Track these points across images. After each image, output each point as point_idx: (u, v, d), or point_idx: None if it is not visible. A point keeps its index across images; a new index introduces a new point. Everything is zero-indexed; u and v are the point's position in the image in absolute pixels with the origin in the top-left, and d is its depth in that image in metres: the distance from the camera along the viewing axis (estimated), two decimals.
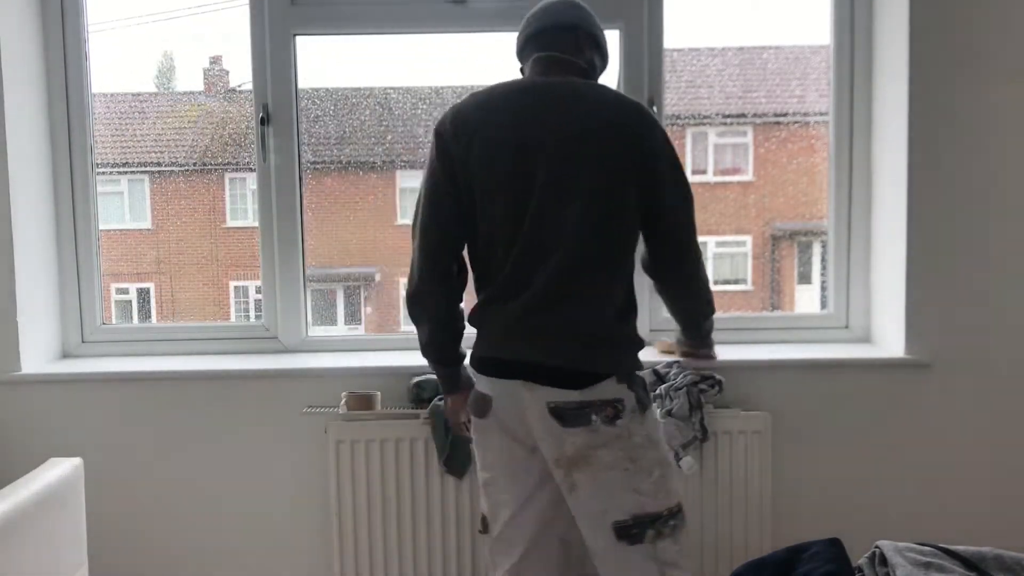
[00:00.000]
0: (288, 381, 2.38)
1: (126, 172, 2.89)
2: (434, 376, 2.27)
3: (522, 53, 1.88)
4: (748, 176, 2.89)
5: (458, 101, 1.81)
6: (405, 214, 2.99)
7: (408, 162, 2.92)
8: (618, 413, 1.65)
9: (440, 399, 2.24)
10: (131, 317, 2.96)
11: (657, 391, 2.23)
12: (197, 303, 2.99)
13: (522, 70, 1.88)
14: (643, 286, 2.54)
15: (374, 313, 3.10)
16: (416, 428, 2.26)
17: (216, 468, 2.40)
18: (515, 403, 1.71)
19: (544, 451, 1.71)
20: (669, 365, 2.30)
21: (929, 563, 1.36)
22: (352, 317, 3.09)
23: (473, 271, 1.83)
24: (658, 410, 2.21)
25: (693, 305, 2.03)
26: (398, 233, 3.03)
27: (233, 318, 2.99)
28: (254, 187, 2.56)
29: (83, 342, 2.56)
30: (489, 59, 2.74)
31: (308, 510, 2.39)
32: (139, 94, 2.92)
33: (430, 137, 1.80)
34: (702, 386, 2.22)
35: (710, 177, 2.90)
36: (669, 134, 1.81)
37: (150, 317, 2.97)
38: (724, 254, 2.93)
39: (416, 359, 2.42)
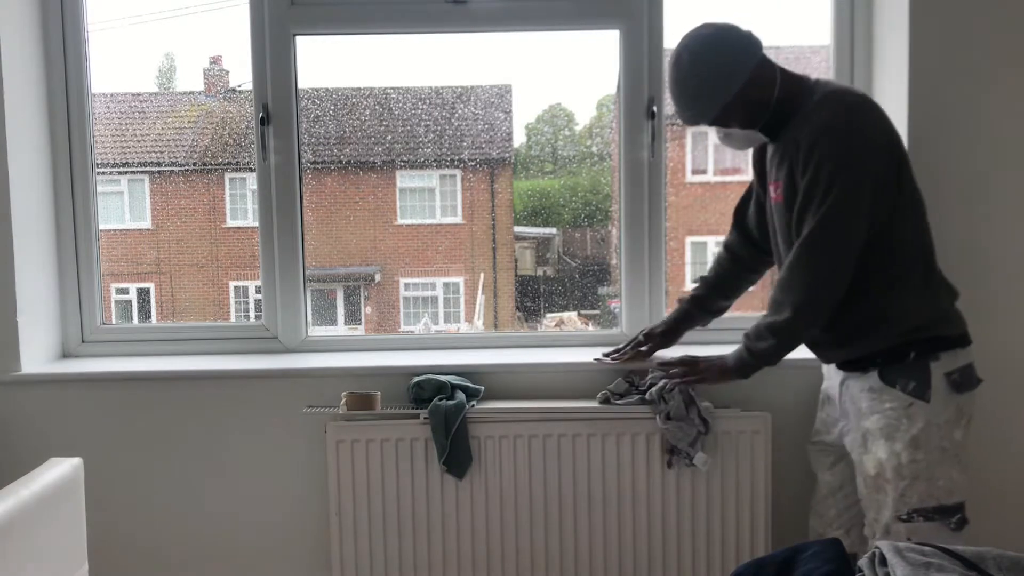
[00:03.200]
0: (288, 381, 2.38)
1: (126, 172, 2.90)
2: (434, 376, 2.29)
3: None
4: (748, 176, 2.89)
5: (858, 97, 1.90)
6: (405, 214, 2.99)
7: (408, 162, 2.92)
8: None
9: (441, 399, 2.25)
10: (131, 317, 2.96)
11: (649, 396, 2.23)
12: (197, 303, 3.00)
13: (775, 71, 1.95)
14: (640, 285, 2.53)
15: (374, 313, 3.10)
16: (416, 428, 2.26)
17: (216, 468, 2.40)
18: None
19: None
20: (642, 375, 2.30)
21: (929, 563, 1.36)
22: (352, 317, 3.10)
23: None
24: (657, 417, 2.21)
25: None
26: (398, 233, 3.03)
27: (233, 318, 2.99)
28: (254, 187, 2.56)
29: (83, 342, 2.56)
30: (489, 59, 2.74)
31: (308, 510, 2.39)
32: (139, 94, 2.93)
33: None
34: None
35: (710, 177, 2.90)
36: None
37: (150, 317, 2.98)
38: None
39: (416, 359, 2.44)
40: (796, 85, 1.94)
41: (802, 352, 2.41)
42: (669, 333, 2.33)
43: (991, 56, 2.28)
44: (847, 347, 1.97)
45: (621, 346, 2.36)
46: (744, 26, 1.95)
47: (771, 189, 2.03)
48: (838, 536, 2.00)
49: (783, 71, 1.95)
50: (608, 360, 2.33)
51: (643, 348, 2.32)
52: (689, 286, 2.92)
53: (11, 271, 2.30)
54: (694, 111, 1.94)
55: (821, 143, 1.81)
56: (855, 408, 1.97)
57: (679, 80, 1.92)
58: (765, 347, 1.96)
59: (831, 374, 2.11)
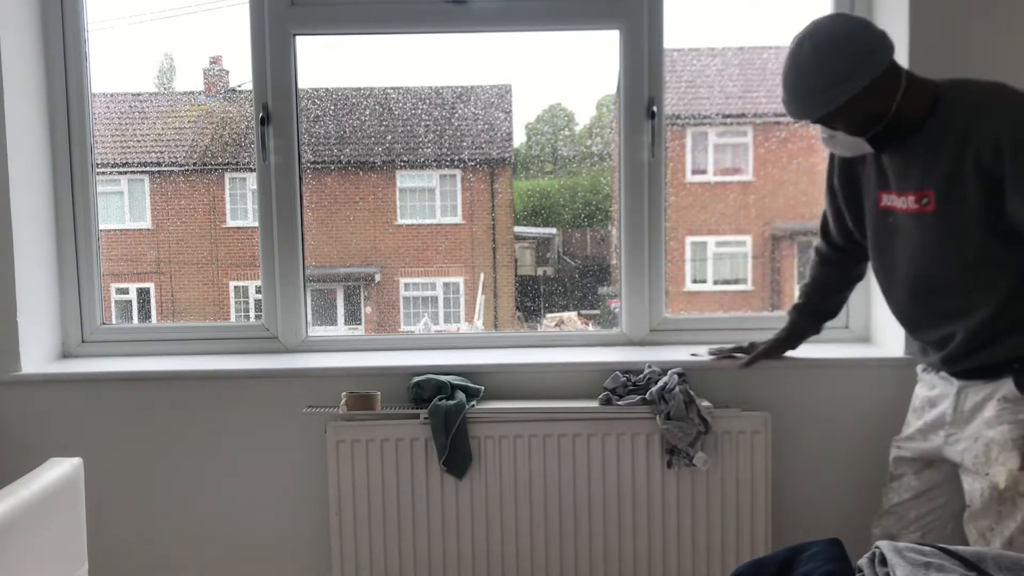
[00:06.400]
0: (288, 381, 2.38)
1: (126, 172, 2.90)
2: (434, 376, 2.29)
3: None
4: (748, 176, 2.89)
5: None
6: (405, 214, 2.99)
7: (408, 162, 2.92)
8: None
9: (441, 399, 2.25)
10: (131, 317, 2.96)
11: (650, 396, 2.24)
12: (197, 303, 3.00)
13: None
14: (643, 282, 2.54)
15: (374, 313, 3.10)
16: (416, 428, 2.26)
17: (216, 468, 2.40)
18: None
19: None
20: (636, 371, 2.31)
21: (929, 563, 1.36)
22: (352, 317, 3.10)
23: None
24: (657, 417, 2.22)
25: None
26: (398, 233, 3.03)
27: (233, 318, 2.99)
28: (254, 187, 2.56)
29: (83, 342, 2.56)
30: (489, 59, 2.74)
31: (308, 510, 2.39)
32: (139, 94, 2.93)
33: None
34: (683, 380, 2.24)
35: (710, 177, 2.90)
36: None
37: (150, 317, 2.98)
38: (724, 254, 2.94)
39: (416, 359, 2.44)
40: (925, 96, 1.81)
41: (802, 352, 2.41)
42: (773, 350, 2.31)
43: (990, 56, 2.28)
44: (981, 353, 1.86)
45: (724, 346, 2.36)
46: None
47: (895, 200, 1.91)
48: (914, 539, 1.98)
49: (912, 79, 1.81)
50: (707, 356, 2.34)
51: (738, 355, 2.32)
52: (689, 286, 2.93)
53: (11, 271, 2.30)
54: (798, 107, 1.83)
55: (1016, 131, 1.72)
56: (977, 417, 1.87)
57: (791, 70, 1.81)
58: None
59: (937, 382, 2.00)
